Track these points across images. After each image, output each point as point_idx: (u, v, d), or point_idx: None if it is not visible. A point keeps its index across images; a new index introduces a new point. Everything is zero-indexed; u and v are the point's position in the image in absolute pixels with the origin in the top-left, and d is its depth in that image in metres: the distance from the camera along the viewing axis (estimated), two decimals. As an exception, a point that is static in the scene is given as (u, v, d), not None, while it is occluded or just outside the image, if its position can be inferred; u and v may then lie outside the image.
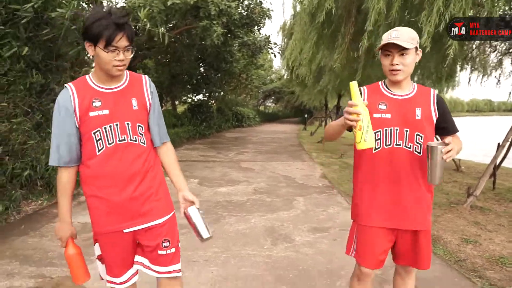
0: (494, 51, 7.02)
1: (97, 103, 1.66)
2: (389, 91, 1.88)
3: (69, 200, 1.76)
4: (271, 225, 4.32)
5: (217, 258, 3.39)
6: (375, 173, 1.86)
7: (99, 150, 1.68)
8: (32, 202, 5.22)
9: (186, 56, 13.47)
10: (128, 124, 1.71)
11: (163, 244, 1.81)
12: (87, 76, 1.73)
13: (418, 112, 1.81)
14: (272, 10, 12.20)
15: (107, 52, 1.58)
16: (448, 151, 1.64)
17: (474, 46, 8.02)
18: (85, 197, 1.76)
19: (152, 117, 1.82)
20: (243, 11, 11.43)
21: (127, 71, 1.81)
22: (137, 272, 1.89)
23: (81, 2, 5.69)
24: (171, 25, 11.57)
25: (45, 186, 5.55)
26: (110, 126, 1.67)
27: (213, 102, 19.96)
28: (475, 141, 19.24)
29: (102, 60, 1.61)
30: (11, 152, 4.96)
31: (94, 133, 1.66)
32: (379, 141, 1.83)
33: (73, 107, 1.64)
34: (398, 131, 1.81)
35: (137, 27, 7.67)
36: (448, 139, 1.67)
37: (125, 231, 1.74)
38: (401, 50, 1.75)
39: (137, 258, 1.86)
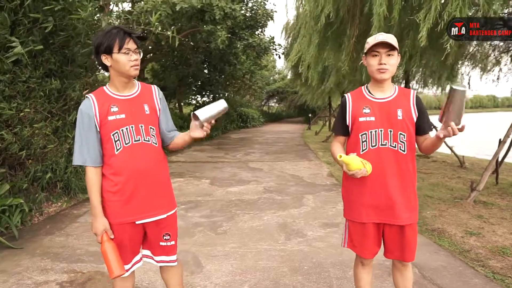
0: (493, 50, 7.19)
1: (114, 109, 1.92)
2: (371, 95, 2.06)
3: (99, 196, 1.93)
4: (283, 221, 4.53)
5: (235, 252, 3.60)
6: None
7: (117, 150, 1.92)
8: (53, 204, 5.45)
9: (192, 59, 13.70)
10: (141, 126, 1.97)
11: (165, 237, 2.08)
12: (104, 87, 2.00)
13: (399, 112, 1.98)
14: (276, 11, 12.41)
15: (121, 54, 1.84)
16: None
17: (474, 43, 8.20)
18: (102, 192, 1.95)
19: (164, 119, 2.10)
20: (247, 13, 11.64)
21: (139, 82, 2.08)
22: (140, 260, 2.14)
23: (94, 9, 5.94)
24: (177, 28, 11.80)
25: (64, 188, 5.79)
26: (127, 128, 1.93)
27: (217, 103, 20.15)
28: (478, 138, 19.35)
29: (120, 64, 1.86)
30: (33, 156, 5.20)
31: (113, 135, 1.91)
32: (365, 142, 2.01)
33: (94, 113, 1.89)
34: (382, 132, 1.98)
35: (145, 31, 7.91)
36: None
37: (137, 222, 1.99)
38: (389, 50, 1.94)
39: (142, 250, 2.16)
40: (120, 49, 1.84)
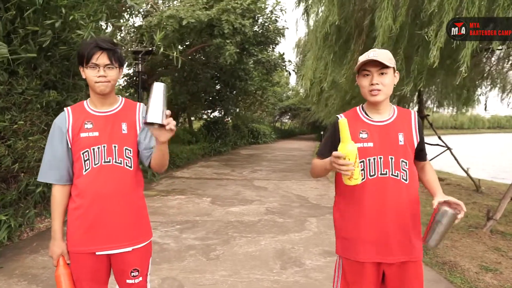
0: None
1: (88, 125, 1.75)
2: (368, 117, 1.80)
3: (60, 217, 1.78)
4: (281, 247, 4.23)
5: (224, 282, 3.31)
6: (360, 205, 1.75)
7: (85, 170, 1.74)
8: (46, 219, 5.28)
9: (202, 74, 13.63)
10: (115, 146, 1.76)
11: (132, 274, 1.83)
12: (85, 101, 1.83)
13: (400, 137, 1.74)
14: (287, 28, 12.29)
15: (87, 68, 1.69)
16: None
17: (493, 61, 7.86)
18: (67, 214, 1.79)
19: (143, 136, 1.83)
20: (257, 29, 11.55)
21: (123, 98, 1.88)
22: None
23: (99, 23, 5.85)
24: (187, 43, 11.78)
25: (58, 203, 5.60)
26: (98, 148, 1.74)
27: (228, 119, 20.04)
28: (496, 160, 18.71)
29: (87, 78, 1.72)
30: (26, 169, 5.04)
31: (82, 153, 1.74)
32: (363, 171, 1.73)
33: (67, 128, 1.75)
34: (382, 159, 1.73)
35: (152, 48, 7.83)
36: (452, 199, 1.65)
37: (97, 253, 1.76)
38: (381, 69, 1.70)
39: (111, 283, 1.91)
40: (86, 62, 1.69)
